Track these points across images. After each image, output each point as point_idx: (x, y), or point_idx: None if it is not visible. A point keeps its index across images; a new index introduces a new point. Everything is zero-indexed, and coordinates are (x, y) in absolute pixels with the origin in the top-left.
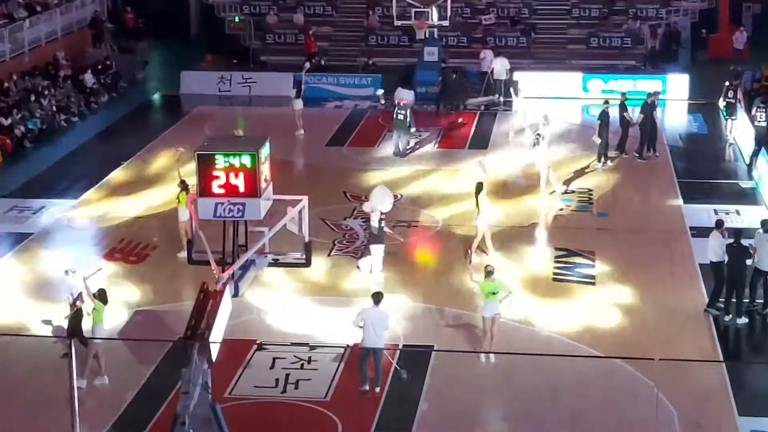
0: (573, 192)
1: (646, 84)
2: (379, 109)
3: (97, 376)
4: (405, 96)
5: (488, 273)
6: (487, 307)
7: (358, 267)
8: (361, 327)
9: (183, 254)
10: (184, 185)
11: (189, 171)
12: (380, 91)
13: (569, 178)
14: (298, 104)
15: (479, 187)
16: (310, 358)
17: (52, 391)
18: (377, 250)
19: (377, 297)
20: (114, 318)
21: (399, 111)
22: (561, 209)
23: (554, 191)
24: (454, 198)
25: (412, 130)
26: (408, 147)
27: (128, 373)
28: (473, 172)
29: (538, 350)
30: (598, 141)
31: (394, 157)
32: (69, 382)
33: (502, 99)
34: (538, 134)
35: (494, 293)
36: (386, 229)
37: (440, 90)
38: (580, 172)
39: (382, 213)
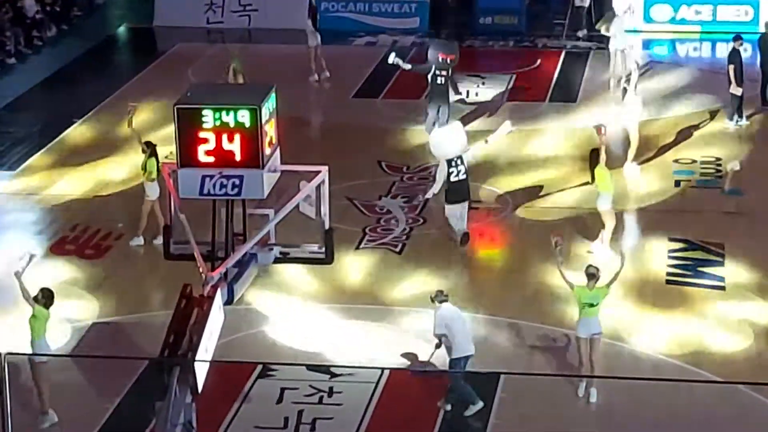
0: (693, 162)
1: (730, 11)
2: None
3: (39, 414)
4: (450, 50)
5: (590, 276)
6: (583, 324)
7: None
8: (443, 335)
9: (141, 241)
10: (151, 149)
11: (164, 136)
12: (396, 59)
13: (684, 140)
14: (315, 40)
15: (595, 156)
16: (331, 388)
17: None
18: (447, 211)
19: (442, 294)
20: (62, 332)
21: (439, 72)
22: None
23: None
24: (531, 170)
25: (456, 97)
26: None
27: (83, 408)
28: (565, 135)
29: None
30: (738, 92)
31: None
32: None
33: (586, 33)
34: (625, 86)
35: (594, 305)
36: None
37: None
38: (700, 133)
39: (452, 162)
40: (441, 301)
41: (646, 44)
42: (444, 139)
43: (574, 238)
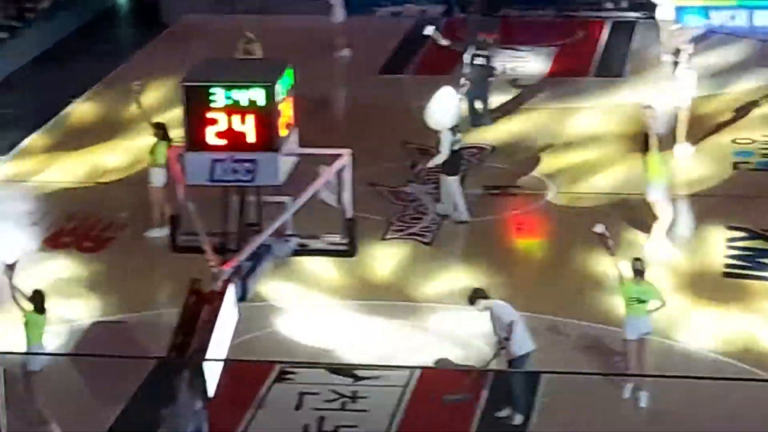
0: (753, 142)
1: None
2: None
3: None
4: (492, 29)
5: (636, 271)
6: (631, 323)
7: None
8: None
9: (158, 233)
10: (162, 132)
11: (171, 118)
12: (432, 29)
13: (743, 119)
14: (339, 13)
15: (647, 141)
16: (355, 393)
17: None
18: (447, 184)
19: (481, 291)
20: (59, 333)
21: (478, 53)
22: None
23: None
24: (574, 151)
25: (493, 78)
26: (489, 108)
27: (83, 415)
28: (613, 114)
29: (707, 382)
30: None
31: (473, 126)
32: None
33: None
34: (676, 59)
35: (642, 301)
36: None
37: None
38: (761, 112)
39: (454, 130)
40: (481, 298)
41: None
42: (445, 107)
43: (621, 226)
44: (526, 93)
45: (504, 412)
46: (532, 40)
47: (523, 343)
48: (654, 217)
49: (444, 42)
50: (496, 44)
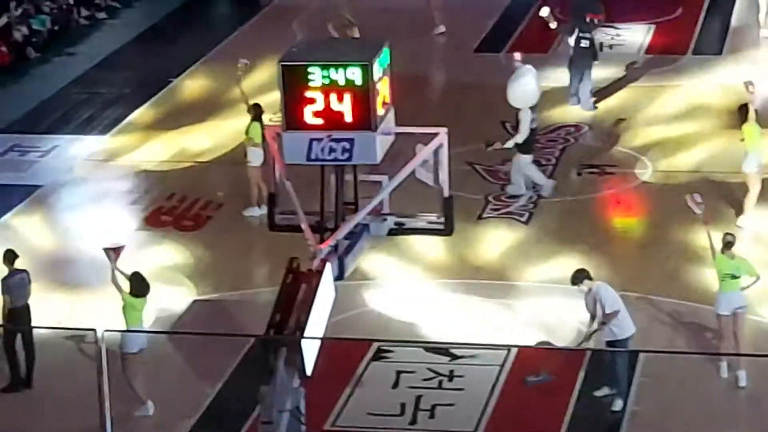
0: None
1: None
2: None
3: (137, 402)
4: (597, 10)
5: (727, 244)
6: (724, 299)
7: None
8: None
9: (256, 212)
10: (257, 112)
11: (270, 99)
12: (547, 11)
13: None
14: None
15: (744, 112)
16: (452, 372)
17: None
18: (522, 164)
19: (584, 272)
20: (159, 312)
21: (584, 35)
22: None
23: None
24: (671, 130)
25: (596, 62)
26: (593, 93)
27: (182, 394)
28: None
29: None
30: None
31: (585, 110)
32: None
33: None
34: None
35: (735, 277)
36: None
37: None
38: None
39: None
40: (586, 278)
41: None
42: (524, 87)
43: (716, 202)
44: (623, 70)
45: (602, 392)
46: (631, 17)
47: (625, 326)
48: (746, 190)
49: (553, 25)
50: (600, 24)
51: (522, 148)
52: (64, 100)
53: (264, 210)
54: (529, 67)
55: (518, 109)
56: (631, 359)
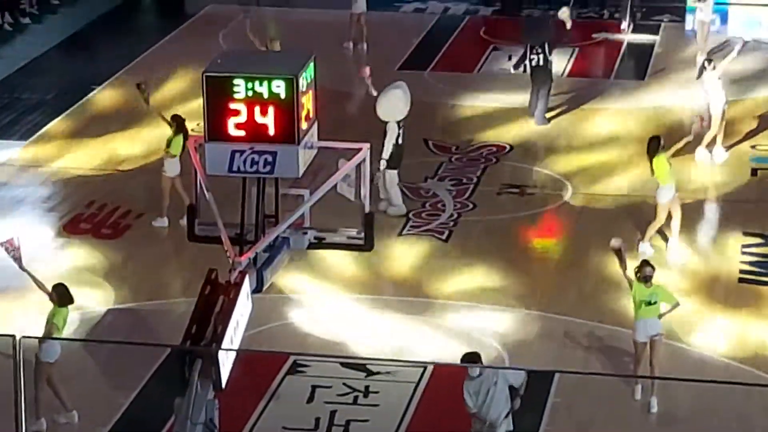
0: None
1: None
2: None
3: (61, 412)
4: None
5: (645, 273)
6: (640, 326)
7: None
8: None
9: (165, 222)
10: (178, 123)
11: (192, 109)
12: (566, 12)
13: (763, 126)
14: (361, 6)
15: (654, 145)
16: (368, 387)
17: None
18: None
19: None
20: (74, 319)
21: (534, 51)
22: None
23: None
24: (593, 152)
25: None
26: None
27: (96, 403)
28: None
29: (718, 386)
30: None
31: (537, 125)
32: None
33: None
34: (708, 59)
35: (651, 303)
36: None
37: None
38: None
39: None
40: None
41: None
42: (398, 100)
43: (635, 229)
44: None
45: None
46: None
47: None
48: (668, 218)
49: (569, 25)
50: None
51: (389, 163)
52: None
53: (184, 221)
54: (400, 82)
55: (386, 123)
56: (544, 380)
